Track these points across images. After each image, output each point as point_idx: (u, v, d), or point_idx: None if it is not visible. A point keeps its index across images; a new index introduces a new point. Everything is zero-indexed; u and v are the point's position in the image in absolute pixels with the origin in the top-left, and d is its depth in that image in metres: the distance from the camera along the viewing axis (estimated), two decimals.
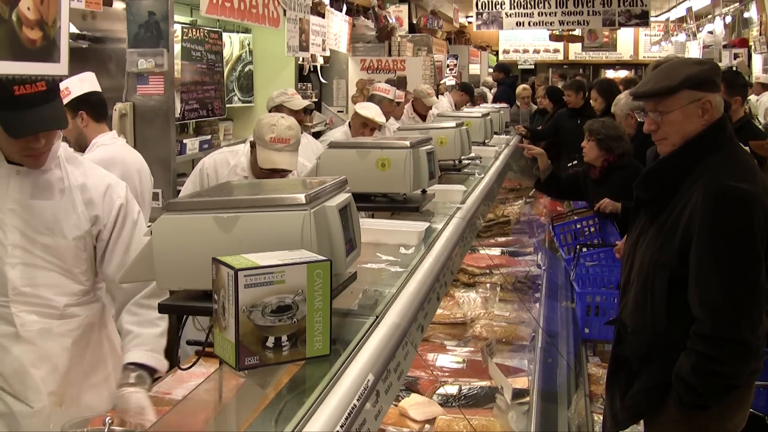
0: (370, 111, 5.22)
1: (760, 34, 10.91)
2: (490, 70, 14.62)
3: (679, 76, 2.38)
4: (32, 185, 2.22)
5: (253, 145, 3.59)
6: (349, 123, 5.58)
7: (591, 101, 7.15)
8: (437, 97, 8.53)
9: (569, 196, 5.60)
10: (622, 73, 19.19)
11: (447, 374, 3.20)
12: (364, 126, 5.20)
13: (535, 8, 12.10)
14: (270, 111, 4.81)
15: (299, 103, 4.99)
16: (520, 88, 10.97)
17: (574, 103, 7.89)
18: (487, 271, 4.33)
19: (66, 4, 1.75)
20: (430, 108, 7.50)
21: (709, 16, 13.88)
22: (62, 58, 1.76)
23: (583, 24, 12.30)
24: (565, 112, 8.03)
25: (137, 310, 2.35)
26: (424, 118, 7.44)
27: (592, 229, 4.85)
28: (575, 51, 20.68)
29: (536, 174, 5.12)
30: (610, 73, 20.38)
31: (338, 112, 9.23)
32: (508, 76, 12.48)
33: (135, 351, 2.30)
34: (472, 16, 13.53)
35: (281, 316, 1.39)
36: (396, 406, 2.80)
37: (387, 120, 6.23)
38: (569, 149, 7.17)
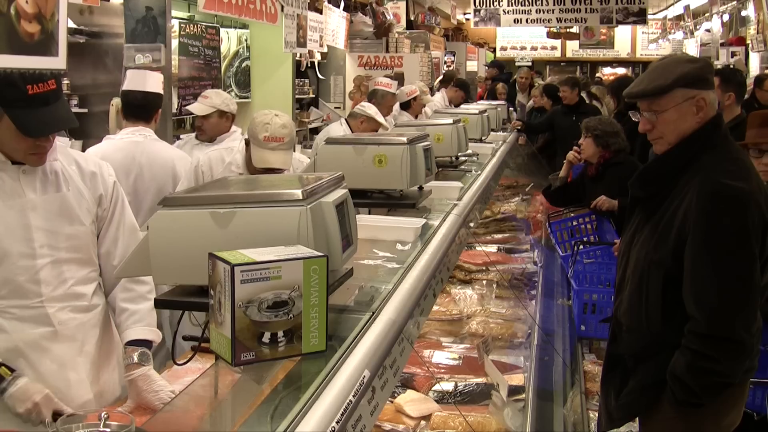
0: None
1: (758, 33, 10.91)
2: (485, 68, 14.59)
3: (673, 75, 2.37)
4: (41, 181, 2.23)
5: (247, 143, 3.57)
6: (346, 120, 5.54)
7: None
8: (431, 94, 8.53)
9: (575, 203, 5.59)
10: (620, 71, 19.19)
11: (443, 371, 3.20)
12: (373, 131, 5.18)
13: (532, 5, 12.08)
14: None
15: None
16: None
17: (569, 99, 7.85)
18: (484, 268, 4.33)
19: None
20: (424, 106, 7.50)
21: (707, 15, 13.87)
22: (60, 51, 1.75)
23: (581, 21, 12.29)
24: (560, 109, 7.99)
25: (130, 286, 2.40)
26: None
27: (589, 227, 4.85)
28: (572, 48, 20.67)
29: (552, 180, 5.13)
30: (607, 71, 20.39)
31: (335, 108, 9.23)
32: (502, 72, 12.49)
33: (135, 328, 2.36)
34: (469, 13, 13.51)
35: (277, 312, 1.39)
36: (392, 402, 2.80)
37: (389, 114, 6.23)
38: (564, 146, 7.14)
